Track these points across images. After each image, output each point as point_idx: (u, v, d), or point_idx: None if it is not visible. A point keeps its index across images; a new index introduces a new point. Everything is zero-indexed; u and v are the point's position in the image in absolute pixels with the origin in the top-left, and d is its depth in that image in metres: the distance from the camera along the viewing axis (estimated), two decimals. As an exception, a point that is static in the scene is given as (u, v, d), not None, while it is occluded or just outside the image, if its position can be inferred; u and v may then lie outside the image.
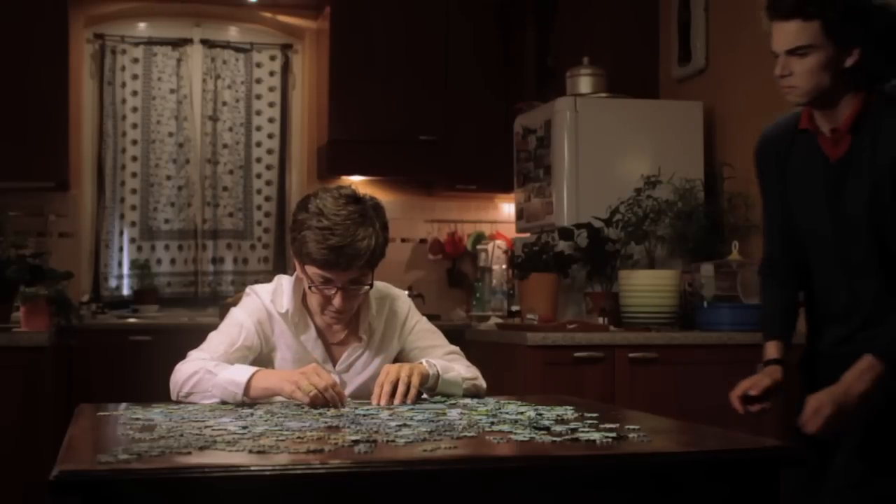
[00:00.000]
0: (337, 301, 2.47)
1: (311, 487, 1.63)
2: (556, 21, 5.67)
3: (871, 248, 2.44)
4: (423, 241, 6.42)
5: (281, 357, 2.59)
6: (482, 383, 2.60)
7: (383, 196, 4.48)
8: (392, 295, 2.70)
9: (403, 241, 6.36)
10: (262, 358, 2.57)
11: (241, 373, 2.38)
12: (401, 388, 2.35)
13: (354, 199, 2.45)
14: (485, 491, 1.69)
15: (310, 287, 2.49)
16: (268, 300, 2.59)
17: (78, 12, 5.99)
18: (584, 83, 4.89)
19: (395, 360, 2.63)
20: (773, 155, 2.62)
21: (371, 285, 2.52)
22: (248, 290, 2.64)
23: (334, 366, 2.61)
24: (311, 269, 2.45)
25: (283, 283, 2.62)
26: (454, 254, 6.36)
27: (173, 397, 2.46)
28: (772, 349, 2.61)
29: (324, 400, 2.27)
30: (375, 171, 6.16)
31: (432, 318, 3.10)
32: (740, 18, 4.61)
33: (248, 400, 2.36)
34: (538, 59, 5.84)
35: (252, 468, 1.62)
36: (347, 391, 2.54)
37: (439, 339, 2.70)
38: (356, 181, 6.00)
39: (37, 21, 5.57)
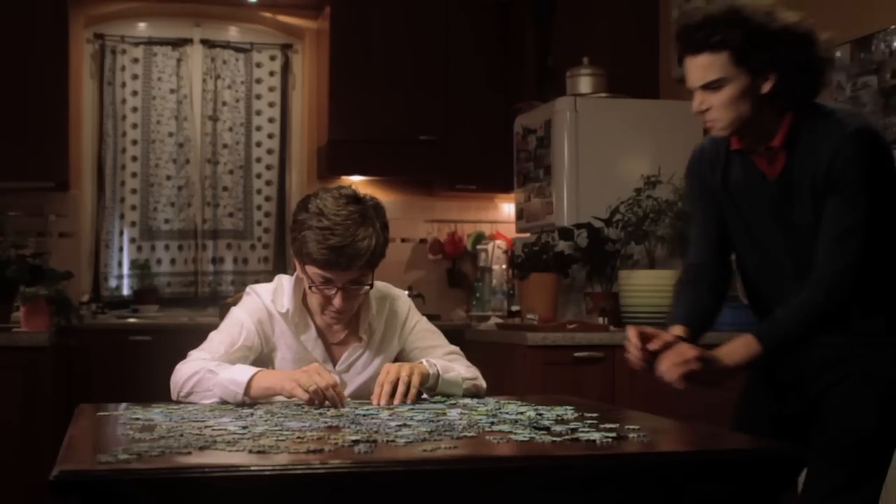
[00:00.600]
0: (337, 301, 2.47)
1: (311, 487, 1.63)
2: (556, 21, 5.67)
3: None
4: (423, 241, 6.41)
5: (281, 357, 2.59)
6: (482, 383, 2.60)
7: (383, 196, 4.47)
8: (392, 295, 2.70)
9: (403, 241, 6.36)
10: (262, 358, 2.57)
11: (242, 372, 2.38)
12: (401, 388, 2.35)
13: (355, 199, 2.45)
14: (485, 491, 1.69)
15: (310, 287, 2.49)
16: (268, 300, 2.59)
17: (78, 12, 5.98)
18: (584, 83, 4.89)
19: (396, 360, 2.63)
20: (708, 172, 2.56)
21: (371, 285, 2.52)
22: (248, 289, 2.65)
23: (334, 366, 2.61)
24: (312, 269, 2.45)
25: (284, 282, 2.62)
26: (454, 254, 6.36)
27: (174, 397, 2.46)
28: (677, 330, 2.47)
29: (324, 397, 2.27)
30: (375, 171, 6.16)
31: (432, 318, 3.10)
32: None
33: (249, 400, 2.36)
34: (538, 59, 5.84)
35: (252, 468, 1.62)
36: (347, 391, 2.54)
37: (439, 339, 2.70)
38: (356, 181, 5.99)
39: (37, 21, 5.57)
